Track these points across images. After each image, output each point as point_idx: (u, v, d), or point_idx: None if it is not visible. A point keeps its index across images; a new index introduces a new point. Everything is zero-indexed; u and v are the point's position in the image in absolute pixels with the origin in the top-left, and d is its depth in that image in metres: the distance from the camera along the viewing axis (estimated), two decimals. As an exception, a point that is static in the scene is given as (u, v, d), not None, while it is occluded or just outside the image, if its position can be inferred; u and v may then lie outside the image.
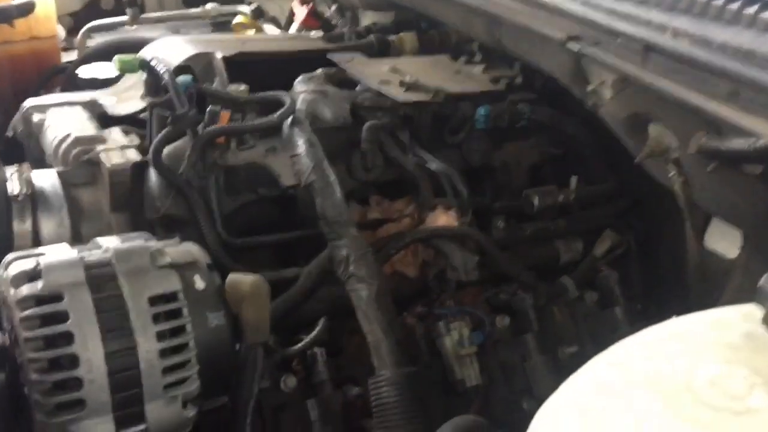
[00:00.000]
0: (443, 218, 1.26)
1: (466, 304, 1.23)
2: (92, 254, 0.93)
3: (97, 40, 2.03)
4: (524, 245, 1.36)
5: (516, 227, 1.34)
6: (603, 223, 1.39)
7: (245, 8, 2.10)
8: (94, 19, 2.15)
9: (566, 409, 0.61)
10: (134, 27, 2.06)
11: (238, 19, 1.90)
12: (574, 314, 1.27)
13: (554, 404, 0.62)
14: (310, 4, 1.82)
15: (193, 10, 2.19)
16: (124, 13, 2.12)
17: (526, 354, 1.21)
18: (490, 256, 1.25)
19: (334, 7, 1.89)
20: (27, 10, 1.81)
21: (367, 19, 1.85)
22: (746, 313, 0.66)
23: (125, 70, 1.25)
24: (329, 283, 1.15)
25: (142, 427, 0.90)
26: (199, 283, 0.97)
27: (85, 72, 1.61)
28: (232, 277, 0.99)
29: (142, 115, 1.33)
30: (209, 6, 2.16)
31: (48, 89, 1.84)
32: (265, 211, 1.24)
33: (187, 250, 1.01)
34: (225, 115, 1.21)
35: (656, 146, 1.08)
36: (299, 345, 1.09)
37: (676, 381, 0.59)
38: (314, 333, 1.10)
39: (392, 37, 1.64)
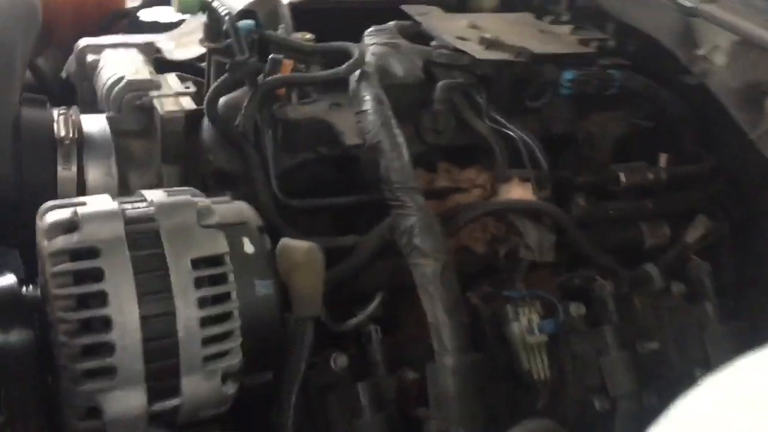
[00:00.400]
0: (519, 191, 1.14)
1: (538, 288, 1.12)
2: (135, 207, 0.85)
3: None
4: (607, 226, 1.23)
5: (599, 205, 1.22)
6: (696, 207, 1.26)
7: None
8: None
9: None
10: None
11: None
12: (658, 307, 1.14)
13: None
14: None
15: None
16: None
17: (602, 348, 1.09)
18: (570, 235, 1.13)
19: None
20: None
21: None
22: None
23: (185, 10, 1.16)
24: (390, 255, 1.05)
25: (176, 401, 0.82)
26: (248, 247, 0.88)
27: (147, 15, 1.53)
28: (285, 242, 0.90)
29: (202, 64, 1.25)
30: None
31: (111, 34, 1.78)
32: (326, 171, 1.14)
33: (238, 209, 0.92)
34: (288, 64, 1.11)
35: (775, 123, 0.95)
36: (353, 321, 1.00)
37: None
38: (370, 308, 1.00)
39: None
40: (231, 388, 0.85)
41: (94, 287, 0.78)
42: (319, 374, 0.96)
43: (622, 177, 1.22)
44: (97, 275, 0.79)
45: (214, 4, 1.15)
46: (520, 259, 1.12)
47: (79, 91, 1.29)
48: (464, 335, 0.94)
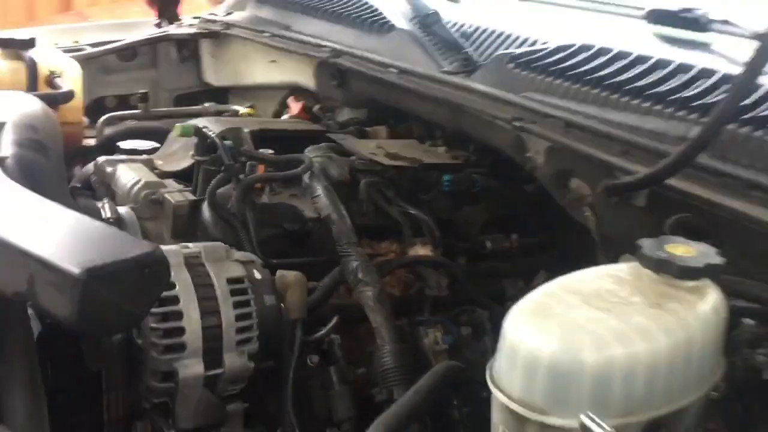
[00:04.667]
0: (422, 250, 1.67)
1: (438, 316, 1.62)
2: (187, 248, 1.30)
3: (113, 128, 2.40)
4: (480, 279, 1.77)
5: (473, 264, 1.76)
6: (538, 266, 1.82)
7: (240, 108, 2.51)
8: (100, 114, 2.49)
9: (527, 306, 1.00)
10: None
11: (243, 110, 2.33)
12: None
13: (519, 306, 1.01)
14: (302, 102, 2.27)
15: (195, 107, 2.58)
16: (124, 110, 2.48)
17: (486, 352, 1.60)
18: (457, 279, 1.66)
19: (318, 106, 2.35)
20: (68, 97, 2.18)
21: (345, 114, 2.31)
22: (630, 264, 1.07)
23: (184, 135, 1.65)
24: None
25: (220, 370, 1.25)
26: (257, 275, 1.35)
27: (126, 145, 1.98)
28: (280, 272, 1.37)
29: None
30: (207, 104, 2.57)
31: (71, 165, 2.19)
32: (285, 241, 1.63)
33: (247, 254, 1.39)
34: (260, 168, 1.62)
35: (576, 194, 1.53)
36: (320, 333, 1.46)
37: (590, 290, 1.00)
38: (331, 324, 1.47)
39: (368, 129, 2.10)
40: (252, 365, 1.28)
41: (170, 293, 1.22)
42: (300, 368, 1.40)
43: (488, 244, 1.78)
44: (172, 286, 1.23)
45: (204, 130, 1.65)
46: (426, 295, 1.63)
47: (98, 192, 1.72)
48: (396, 332, 1.41)
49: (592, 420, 0.85)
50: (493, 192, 1.87)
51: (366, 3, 2.27)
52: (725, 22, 1.62)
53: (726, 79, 1.40)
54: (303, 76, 2.37)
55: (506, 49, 1.84)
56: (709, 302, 0.98)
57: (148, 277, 0.91)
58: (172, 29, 2.81)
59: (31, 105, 1.54)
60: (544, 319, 0.96)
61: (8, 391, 1.01)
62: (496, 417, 0.98)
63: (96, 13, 5.72)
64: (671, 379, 0.93)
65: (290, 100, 2.30)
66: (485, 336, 1.62)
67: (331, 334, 1.46)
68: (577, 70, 1.59)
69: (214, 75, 2.84)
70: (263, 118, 2.31)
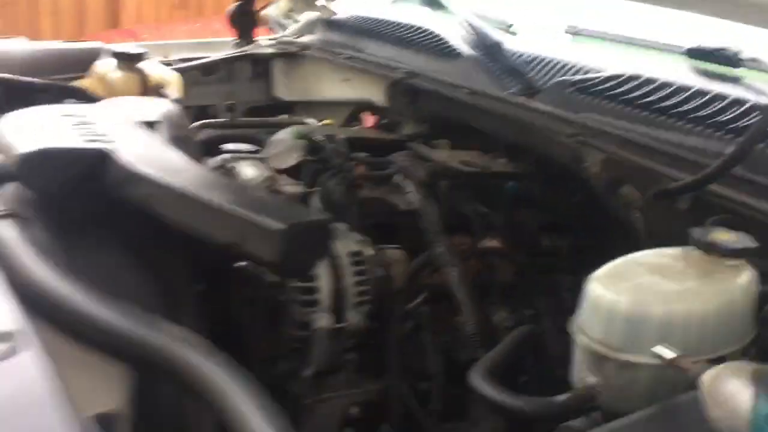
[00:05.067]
0: (490, 244, 1.97)
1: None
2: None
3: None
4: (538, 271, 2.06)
5: (532, 259, 2.06)
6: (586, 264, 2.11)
7: (314, 120, 2.80)
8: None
9: (605, 273, 1.30)
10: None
11: (322, 123, 2.65)
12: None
13: (598, 273, 1.30)
14: (377, 117, 2.59)
15: (274, 119, 2.87)
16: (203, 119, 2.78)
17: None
18: (520, 269, 1.96)
19: (385, 120, 2.66)
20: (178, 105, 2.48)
21: (408, 129, 2.61)
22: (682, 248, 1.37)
23: (299, 137, 1.97)
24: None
25: (344, 324, 1.55)
26: (370, 251, 1.65)
27: (228, 147, 2.28)
28: (387, 249, 1.68)
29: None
30: (282, 116, 2.86)
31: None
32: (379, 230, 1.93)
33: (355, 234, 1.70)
34: (360, 167, 1.93)
35: (627, 199, 1.83)
36: (413, 303, 1.75)
37: (652, 263, 1.30)
38: (421, 298, 1.76)
39: (433, 141, 2.41)
40: (365, 323, 1.58)
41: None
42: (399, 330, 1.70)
43: (544, 242, 2.08)
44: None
45: (312, 137, 1.97)
46: (495, 281, 1.93)
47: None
48: (476, 304, 1.71)
49: (662, 348, 1.14)
50: (548, 199, 2.16)
51: (433, 32, 2.59)
52: (754, 59, 1.93)
53: (755, 107, 1.71)
54: (374, 93, 2.68)
55: (561, 76, 2.15)
56: (746, 277, 1.28)
57: (322, 236, 1.22)
58: (251, 48, 3.13)
59: (173, 108, 1.86)
60: (619, 281, 1.26)
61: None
62: (579, 359, 1.28)
63: (143, 30, 6.10)
64: (716, 331, 1.23)
65: (365, 114, 2.61)
66: (544, 317, 1.91)
67: (420, 306, 1.76)
68: (628, 96, 1.90)
69: (286, 90, 3.15)
70: (345, 128, 2.63)
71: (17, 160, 1.27)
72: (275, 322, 1.53)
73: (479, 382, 1.28)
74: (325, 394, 1.58)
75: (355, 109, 2.82)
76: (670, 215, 1.69)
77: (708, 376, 1.03)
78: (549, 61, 2.27)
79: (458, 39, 2.49)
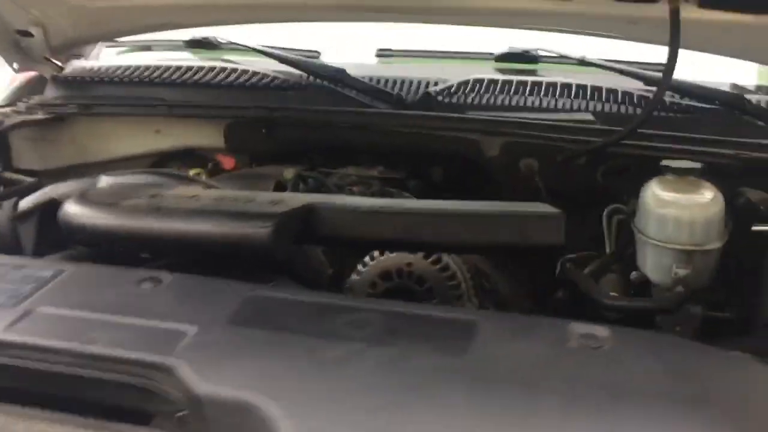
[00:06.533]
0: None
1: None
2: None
3: None
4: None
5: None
6: None
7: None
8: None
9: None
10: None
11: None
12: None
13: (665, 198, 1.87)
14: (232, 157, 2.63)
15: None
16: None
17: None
18: None
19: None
20: None
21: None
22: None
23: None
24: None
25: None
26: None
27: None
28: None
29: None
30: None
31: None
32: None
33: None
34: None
35: (528, 169, 2.39)
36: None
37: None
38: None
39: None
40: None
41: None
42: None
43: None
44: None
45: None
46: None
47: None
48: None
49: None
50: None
51: (249, 70, 2.71)
52: (547, 56, 2.70)
53: (565, 85, 2.45)
54: (196, 138, 2.68)
55: (414, 89, 2.57)
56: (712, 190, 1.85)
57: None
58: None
59: None
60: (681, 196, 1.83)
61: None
62: (667, 260, 1.80)
63: None
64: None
65: (220, 156, 2.60)
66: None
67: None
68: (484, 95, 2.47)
69: (40, 160, 2.81)
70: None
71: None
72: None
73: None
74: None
75: (163, 158, 2.73)
76: (564, 175, 2.29)
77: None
78: (397, 79, 2.62)
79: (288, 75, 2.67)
